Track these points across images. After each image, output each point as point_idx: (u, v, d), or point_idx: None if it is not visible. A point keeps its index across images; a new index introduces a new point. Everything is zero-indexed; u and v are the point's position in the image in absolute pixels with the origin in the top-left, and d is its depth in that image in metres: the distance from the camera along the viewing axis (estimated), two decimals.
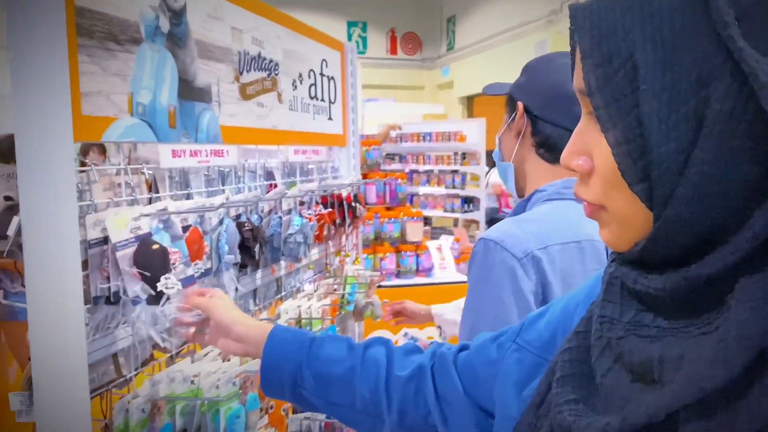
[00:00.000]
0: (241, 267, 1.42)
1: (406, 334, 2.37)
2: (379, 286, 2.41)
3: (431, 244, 4.35)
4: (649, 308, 0.52)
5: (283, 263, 1.74)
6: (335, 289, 2.01)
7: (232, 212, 1.40)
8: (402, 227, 4.24)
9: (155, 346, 1.26)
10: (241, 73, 1.51)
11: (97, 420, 1.08)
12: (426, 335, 2.47)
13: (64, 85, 0.94)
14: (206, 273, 1.27)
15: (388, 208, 4.31)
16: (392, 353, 0.94)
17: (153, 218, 1.10)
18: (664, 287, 0.49)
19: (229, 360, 1.29)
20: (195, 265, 1.15)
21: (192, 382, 1.20)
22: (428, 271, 4.24)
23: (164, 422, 1.14)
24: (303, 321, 1.66)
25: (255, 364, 1.27)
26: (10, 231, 0.96)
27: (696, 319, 0.48)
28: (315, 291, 1.91)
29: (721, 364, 0.44)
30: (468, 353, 0.88)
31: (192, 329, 1.09)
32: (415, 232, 4.30)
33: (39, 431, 0.99)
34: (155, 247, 1.09)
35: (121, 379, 1.13)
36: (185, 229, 1.16)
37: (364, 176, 4.29)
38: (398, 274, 4.13)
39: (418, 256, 4.24)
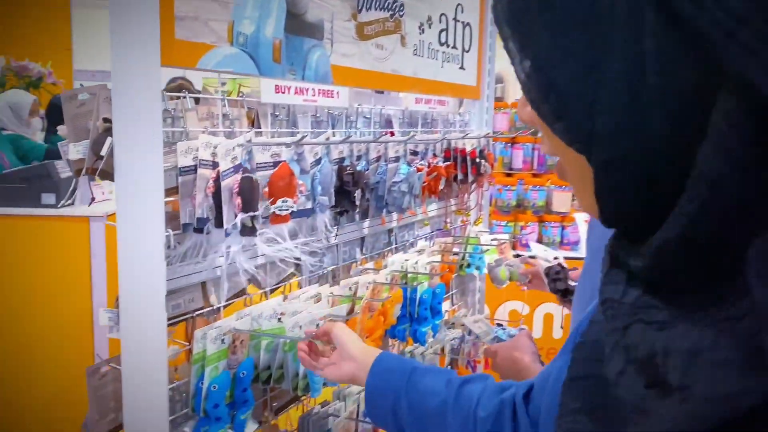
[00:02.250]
0: (342, 213, 1.38)
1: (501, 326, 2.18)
2: (517, 255, 2.27)
3: (579, 216, 4.05)
4: (652, 288, 0.40)
5: (394, 215, 1.68)
6: (453, 250, 1.91)
7: (336, 156, 1.36)
8: (548, 196, 4.00)
9: (250, 280, 1.27)
10: (359, 11, 1.45)
11: (181, 343, 1.11)
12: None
13: (153, 7, 0.93)
14: (303, 213, 1.24)
15: (534, 175, 4.08)
16: (485, 391, 0.89)
17: (244, 149, 1.09)
18: (643, 264, 0.39)
19: (318, 301, 1.26)
20: (284, 202, 1.12)
21: (279, 320, 1.19)
22: (573, 244, 3.97)
23: (246, 356, 1.14)
24: (409, 276, 1.59)
25: (341, 310, 1.23)
26: (104, 151, 0.99)
27: (715, 298, 0.35)
28: (430, 247, 1.84)
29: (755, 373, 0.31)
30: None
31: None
32: (562, 202, 4.03)
33: (123, 348, 1.04)
34: (254, 178, 1.08)
35: (208, 309, 1.15)
36: (278, 164, 1.14)
37: (513, 140, 4.10)
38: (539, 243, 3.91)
39: (563, 228, 3.99)
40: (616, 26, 0.35)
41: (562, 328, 3.72)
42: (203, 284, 1.14)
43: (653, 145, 0.36)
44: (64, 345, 2.91)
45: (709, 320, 0.35)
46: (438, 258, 1.70)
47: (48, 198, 2.85)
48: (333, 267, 1.48)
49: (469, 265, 2.01)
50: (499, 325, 1.91)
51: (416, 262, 1.60)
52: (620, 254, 0.43)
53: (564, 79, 0.38)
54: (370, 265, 1.58)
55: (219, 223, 1.05)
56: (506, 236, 2.17)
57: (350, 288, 1.38)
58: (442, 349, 1.84)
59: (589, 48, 0.36)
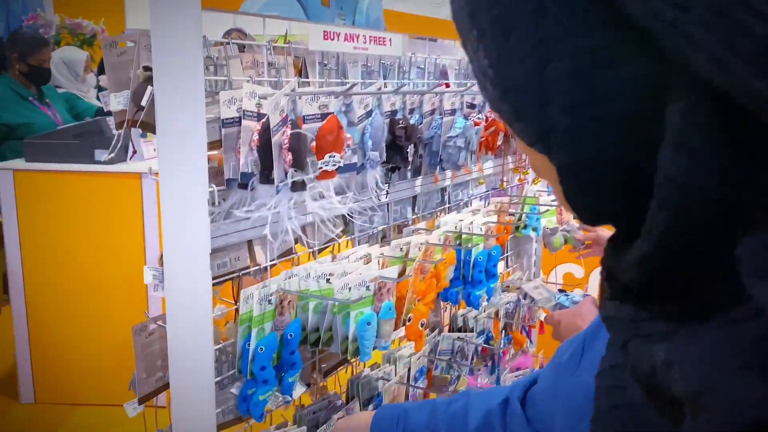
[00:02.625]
0: (394, 169, 1.30)
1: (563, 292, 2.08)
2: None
3: None
4: (645, 299, 0.38)
5: (448, 173, 1.59)
6: (510, 210, 1.82)
7: (388, 108, 1.27)
8: None
9: (298, 239, 1.21)
10: None
11: (228, 302, 1.07)
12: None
13: None
14: (351, 168, 1.17)
15: None
16: (468, 405, 0.90)
17: (290, 99, 1.02)
18: (630, 277, 0.37)
19: (368, 262, 1.20)
20: (332, 157, 1.05)
21: (328, 281, 1.14)
22: None
23: (293, 317, 1.09)
24: (464, 237, 1.51)
25: (392, 271, 1.17)
26: (144, 102, 0.93)
27: (711, 303, 0.33)
28: (485, 207, 1.75)
29: None
30: (539, 382, 0.82)
31: None
32: None
33: (168, 307, 1.00)
34: (303, 132, 1.01)
35: (255, 267, 1.10)
36: (325, 116, 1.06)
37: None
38: None
39: None
40: (561, 21, 0.33)
41: None
42: (249, 243, 1.10)
43: (612, 146, 0.35)
44: (117, 303, 2.97)
45: (709, 326, 0.33)
46: (494, 218, 1.61)
47: (101, 154, 2.87)
48: (383, 227, 1.41)
49: (525, 227, 1.92)
50: (561, 291, 1.81)
51: (471, 223, 1.52)
52: (611, 266, 0.40)
53: (519, 78, 0.36)
54: (422, 225, 1.51)
55: (264, 179, 0.99)
56: None
57: (401, 249, 1.32)
58: (496, 313, 1.77)
59: (539, 45, 0.34)
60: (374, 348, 1.15)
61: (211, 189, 0.95)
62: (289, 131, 0.99)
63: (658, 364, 0.35)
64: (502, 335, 1.77)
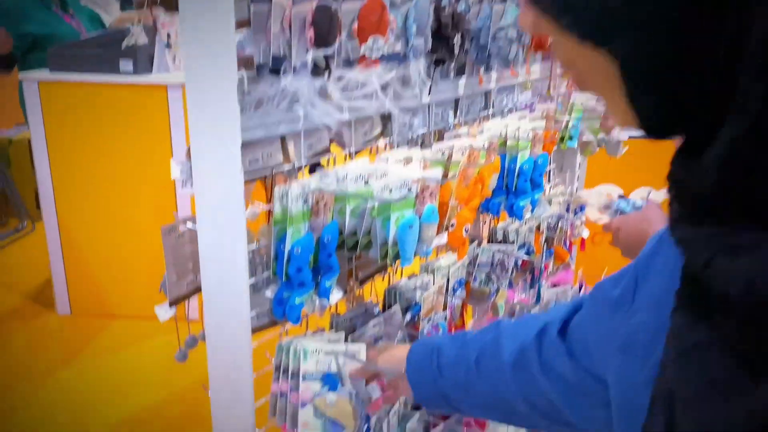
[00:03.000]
0: (438, 62, 1.19)
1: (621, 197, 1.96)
2: None
3: None
4: (725, 210, 0.34)
5: (493, 75, 1.47)
6: (555, 118, 1.70)
7: None
8: None
9: (333, 138, 1.13)
10: None
11: (261, 204, 1.01)
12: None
13: None
14: (394, 57, 1.06)
15: None
16: (500, 338, 0.84)
17: None
18: (711, 181, 0.33)
19: (410, 162, 1.12)
20: (375, 42, 0.95)
21: (366, 182, 1.06)
22: None
23: (329, 220, 1.02)
24: (509, 143, 1.41)
25: (435, 172, 1.08)
26: None
27: None
28: (530, 114, 1.63)
29: None
30: (580, 314, 0.75)
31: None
32: None
33: (198, 205, 0.94)
34: (333, 8, 0.91)
35: (288, 166, 1.02)
36: None
37: None
38: None
39: None
40: None
41: None
42: (282, 139, 1.01)
43: (686, 25, 0.31)
44: (148, 214, 2.95)
45: None
46: (541, 124, 1.50)
47: (126, 65, 2.78)
48: (423, 130, 1.32)
49: (570, 138, 1.80)
50: (621, 196, 1.71)
51: (518, 128, 1.41)
52: (683, 179, 0.37)
53: None
54: (464, 130, 1.41)
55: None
56: None
57: (443, 153, 1.23)
58: (538, 227, 1.68)
59: None
60: (415, 253, 1.08)
61: (239, 74, 0.87)
62: (314, 3, 0.88)
63: (747, 279, 0.31)
64: (544, 249, 1.69)
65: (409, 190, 1.03)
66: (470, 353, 0.86)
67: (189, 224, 1.09)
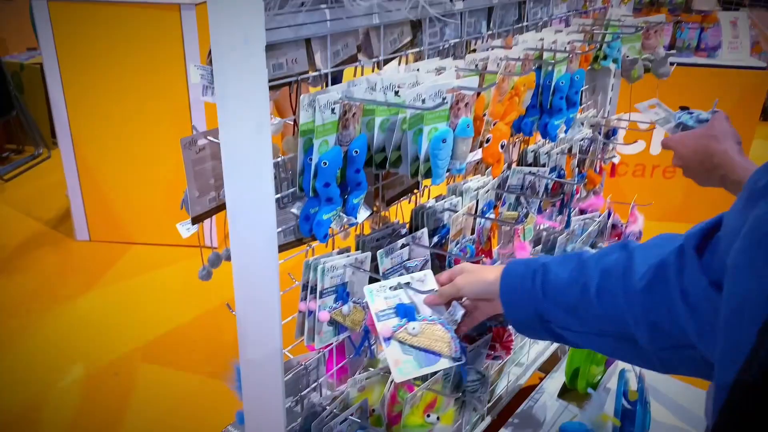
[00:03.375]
0: None
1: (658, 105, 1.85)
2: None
3: (724, 17, 3.47)
4: None
5: None
6: (591, 34, 1.59)
7: None
8: None
9: (360, 46, 1.05)
10: None
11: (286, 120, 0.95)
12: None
13: None
14: None
15: None
16: (631, 258, 0.76)
17: None
18: None
19: (442, 72, 1.04)
20: None
21: (396, 93, 0.99)
22: (712, 50, 3.45)
23: (358, 132, 0.96)
24: (545, 55, 1.32)
25: (471, 81, 1.01)
26: None
27: None
28: (565, 28, 1.53)
29: None
30: (722, 231, 0.64)
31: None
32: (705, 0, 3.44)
33: (220, 116, 0.88)
34: None
35: (314, 74, 0.96)
36: None
37: None
38: (672, 49, 3.42)
39: (702, 30, 3.44)
40: None
41: None
42: (308, 43, 0.94)
43: None
44: (164, 137, 2.90)
45: None
46: (579, 37, 1.41)
47: None
48: (455, 41, 1.23)
49: (605, 57, 1.70)
50: (683, 108, 1.60)
51: (554, 42, 1.32)
52: None
53: None
54: (497, 42, 1.32)
55: None
56: (658, 19, 1.79)
57: (476, 65, 1.15)
58: (570, 149, 1.61)
59: None
60: (448, 170, 1.03)
61: None
62: None
63: None
64: (576, 173, 1.63)
65: (444, 100, 0.96)
66: (590, 275, 0.80)
67: (210, 137, 1.04)
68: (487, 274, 0.93)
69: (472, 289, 0.94)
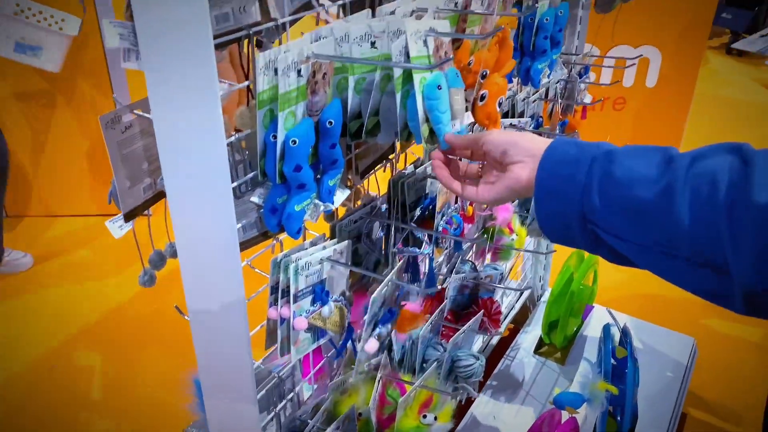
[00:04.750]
0: None
1: None
2: None
3: None
4: None
5: None
6: None
7: None
8: None
9: None
10: None
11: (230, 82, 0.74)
12: None
13: None
14: None
15: None
16: (749, 163, 0.57)
17: None
18: None
19: (420, 17, 0.85)
20: None
21: (372, 44, 0.79)
22: None
23: (330, 97, 0.77)
24: None
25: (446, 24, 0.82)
26: None
27: None
28: None
29: None
30: None
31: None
32: None
33: (149, 83, 0.67)
34: None
35: (269, 24, 0.75)
36: None
37: None
38: None
39: None
40: None
41: None
42: None
43: None
44: (85, 105, 2.57)
45: None
46: None
47: None
48: None
49: None
50: None
51: None
52: None
53: None
54: None
55: None
56: None
57: (456, 3, 0.96)
58: (546, 93, 1.45)
59: None
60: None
61: None
62: None
63: None
64: (554, 121, 1.48)
65: (425, 43, 0.78)
66: (678, 175, 0.60)
67: (138, 111, 0.82)
68: (532, 138, 0.72)
69: (504, 142, 0.72)
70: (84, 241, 2.71)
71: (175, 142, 0.69)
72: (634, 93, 3.32)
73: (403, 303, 0.97)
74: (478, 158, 0.78)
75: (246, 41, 0.72)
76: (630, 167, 0.63)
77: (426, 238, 1.06)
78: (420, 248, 0.99)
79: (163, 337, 2.14)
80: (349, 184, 0.99)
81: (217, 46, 0.69)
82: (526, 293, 2.10)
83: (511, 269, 1.85)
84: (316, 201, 0.78)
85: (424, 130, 0.78)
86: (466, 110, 0.95)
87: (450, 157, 0.81)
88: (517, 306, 2.05)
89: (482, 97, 0.88)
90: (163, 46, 0.64)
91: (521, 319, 2.05)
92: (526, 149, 0.70)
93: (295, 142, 0.70)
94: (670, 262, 0.62)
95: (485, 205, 1.35)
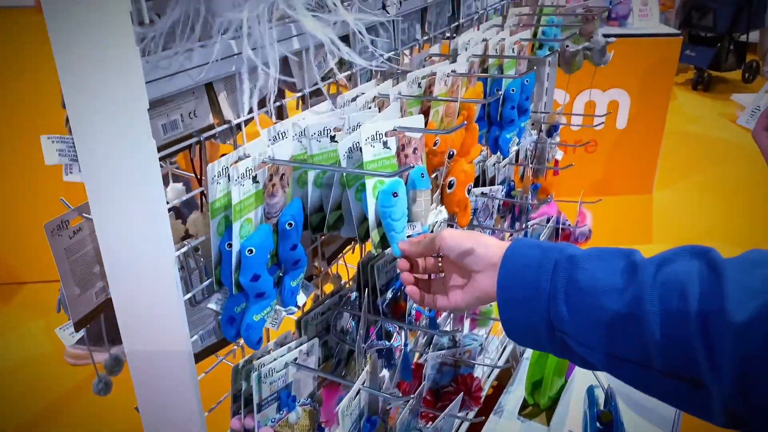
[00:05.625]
0: None
1: None
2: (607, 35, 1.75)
3: None
4: None
5: None
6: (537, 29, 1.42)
7: None
8: None
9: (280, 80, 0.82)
10: None
11: (184, 175, 0.70)
12: None
13: None
14: None
15: None
16: (719, 273, 0.54)
17: None
18: None
19: (382, 105, 0.82)
20: None
21: (332, 138, 0.77)
22: (623, 18, 3.40)
23: (289, 197, 0.73)
24: (491, 63, 1.13)
25: (416, 120, 0.80)
26: None
27: None
28: (504, 23, 1.34)
29: None
30: None
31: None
32: None
33: (90, 198, 0.63)
34: None
35: (223, 126, 0.71)
36: None
37: None
38: None
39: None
40: None
41: None
42: (209, 88, 0.70)
43: None
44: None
45: None
46: (526, 35, 1.22)
47: None
48: (390, 54, 1.01)
49: (540, 46, 1.54)
50: None
51: (501, 41, 1.13)
52: None
53: None
54: (435, 48, 1.11)
55: None
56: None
57: (419, 85, 0.94)
58: (516, 155, 1.44)
59: None
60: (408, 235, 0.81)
61: None
62: None
63: None
64: (525, 183, 1.46)
65: (386, 146, 0.75)
66: (646, 284, 0.57)
67: (87, 214, 0.78)
68: (487, 244, 0.69)
69: (459, 250, 0.69)
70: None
71: (121, 263, 0.65)
72: (605, 135, 3.36)
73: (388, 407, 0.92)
74: (434, 261, 0.76)
75: (197, 146, 0.69)
76: (594, 275, 0.60)
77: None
78: (393, 334, 0.95)
79: None
80: (315, 272, 0.95)
81: (166, 156, 0.65)
82: (508, 350, 2.06)
83: (491, 329, 1.81)
84: (277, 307, 0.73)
85: (375, 235, 0.75)
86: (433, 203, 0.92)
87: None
88: (500, 362, 2.01)
89: (450, 185, 0.85)
90: (105, 163, 0.60)
91: (504, 375, 2.01)
92: (483, 257, 0.68)
93: (251, 251, 0.66)
94: (645, 374, 0.59)
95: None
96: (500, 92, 1.16)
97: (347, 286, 1.01)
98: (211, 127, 0.70)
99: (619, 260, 0.60)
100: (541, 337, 0.64)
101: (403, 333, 0.96)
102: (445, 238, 0.71)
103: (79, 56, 0.55)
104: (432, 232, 1.08)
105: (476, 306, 0.71)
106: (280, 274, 0.75)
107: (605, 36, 1.64)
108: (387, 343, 0.91)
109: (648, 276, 0.57)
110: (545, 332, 0.63)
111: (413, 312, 1.01)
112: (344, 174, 0.76)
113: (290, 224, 0.71)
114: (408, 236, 0.76)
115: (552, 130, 1.65)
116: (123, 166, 0.60)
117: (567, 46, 1.60)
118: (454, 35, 1.21)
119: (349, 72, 0.91)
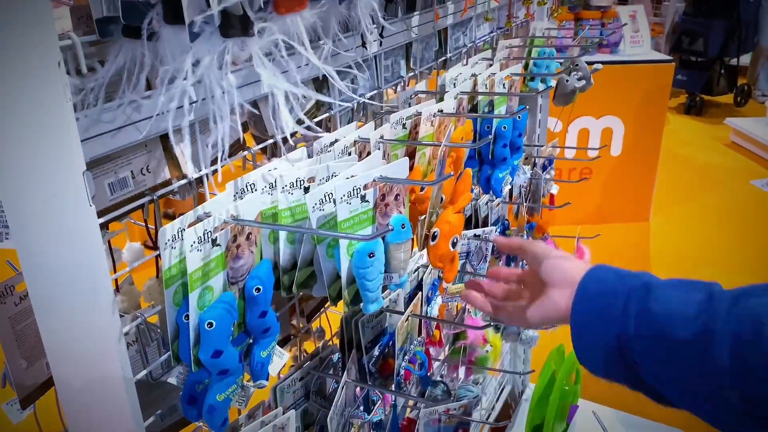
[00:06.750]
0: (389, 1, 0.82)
1: None
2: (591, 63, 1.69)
3: (623, 11, 3.40)
4: None
5: (450, 6, 1.11)
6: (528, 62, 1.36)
7: None
8: None
9: (247, 126, 0.75)
10: None
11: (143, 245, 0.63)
12: None
13: None
14: None
15: None
16: None
17: None
18: None
19: (363, 152, 0.75)
20: None
21: (306, 189, 0.69)
22: (615, 45, 3.37)
23: (258, 257, 0.66)
24: (480, 99, 1.07)
25: (400, 167, 0.72)
26: None
27: None
28: (493, 56, 1.29)
29: None
30: None
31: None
32: None
33: (25, 270, 0.55)
34: None
35: (180, 182, 0.64)
36: None
37: None
38: None
39: (603, 26, 3.35)
40: None
41: None
42: (164, 141, 0.63)
43: None
44: None
45: None
46: (516, 69, 1.16)
47: None
48: (373, 92, 0.95)
49: (532, 79, 1.48)
50: None
51: (491, 76, 1.07)
52: None
53: None
54: (422, 85, 1.05)
55: (173, 16, 0.50)
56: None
57: (404, 125, 0.87)
58: (510, 194, 1.37)
59: None
60: (384, 287, 0.74)
61: (68, 40, 0.47)
62: None
63: None
64: (521, 221, 1.39)
65: (364, 199, 0.68)
66: (720, 317, 0.54)
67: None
68: (572, 263, 0.70)
69: (547, 254, 0.71)
70: None
71: (62, 342, 0.57)
72: (600, 163, 3.31)
73: None
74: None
75: (151, 206, 0.61)
76: (666, 302, 0.59)
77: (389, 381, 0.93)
78: (378, 402, 0.87)
79: None
80: (293, 332, 0.87)
81: (115, 219, 0.58)
82: (507, 391, 1.97)
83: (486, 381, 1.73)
84: (245, 383, 0.65)
85: (347, 294, 0.67)
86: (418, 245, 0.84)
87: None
88: (498, 407, 1.92)
89: (434, 236, 0.78)
90: (37, 230, 0.52)
91: (503, 417, 1.92)
92: (566, 271, 0.69)
93: (211, 324, 0.58)
94: (709, 408, 0.55)
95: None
96: (491, 134, 1.09)
97: (330, 344, 0.92)
98: (168, 182, 0.63)
99: (695, 289, 0.59)
100: (616, 366, 0.62)
101: (390, 397, 0.88)
102: (535, 244, 0.73)
103: (3, 111, 0.48)
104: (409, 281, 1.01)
105: (550, 323, 0.70)
106: (250, 341, 0.67)
107: (590, 63, 1.58)
108: (367, 416, 0.82)
109: (723, 308, 0.55)
110: (620, 362, 0.61)
111: (402, 371, 0.93)
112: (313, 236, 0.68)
113: (258, 289, 0.64)
114: (383, 288, 0.69)
115: (546, 164, 1.58)
116: (58, 235, 0.52)
117: (566, 80, 1.55)
118: (442, 70, 1.15)
119: (327, 114, 0.84)
